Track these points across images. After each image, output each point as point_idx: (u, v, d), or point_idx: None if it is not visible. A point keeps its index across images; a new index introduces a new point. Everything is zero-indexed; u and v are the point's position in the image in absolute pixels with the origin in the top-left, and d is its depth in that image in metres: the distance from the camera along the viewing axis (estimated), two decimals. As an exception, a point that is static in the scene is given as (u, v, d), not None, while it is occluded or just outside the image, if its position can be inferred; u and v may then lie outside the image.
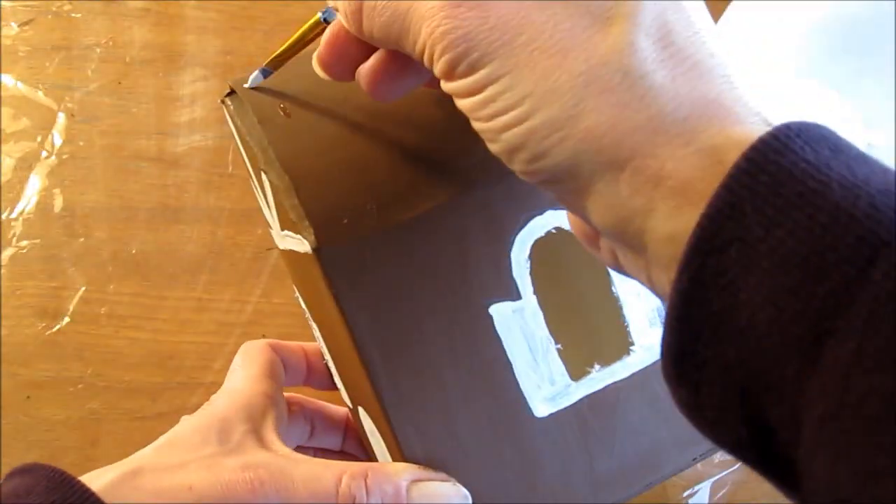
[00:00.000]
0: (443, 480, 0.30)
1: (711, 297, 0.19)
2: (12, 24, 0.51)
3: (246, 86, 0.31)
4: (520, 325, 0.31)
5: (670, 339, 0.20)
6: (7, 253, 0.48)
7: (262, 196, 0.33)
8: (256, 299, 0.48)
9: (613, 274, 0.32)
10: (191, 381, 0.47)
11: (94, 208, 0.49)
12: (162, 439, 0.31)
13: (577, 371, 0.32)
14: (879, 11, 0.51)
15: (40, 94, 0.51)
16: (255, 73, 0.31)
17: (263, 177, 0.30)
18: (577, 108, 0.20)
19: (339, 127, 0.30)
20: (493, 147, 0.23)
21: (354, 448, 0.41)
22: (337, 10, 0.25)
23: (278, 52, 0.30)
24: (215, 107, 0.51)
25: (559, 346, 0.31)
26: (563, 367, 0.32)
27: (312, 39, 0.30)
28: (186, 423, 0.32)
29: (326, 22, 0.28)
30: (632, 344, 0.32)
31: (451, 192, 0.29)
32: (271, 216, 0.33)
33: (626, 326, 0.32)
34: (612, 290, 0.32)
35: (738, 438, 0.20)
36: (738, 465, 0.48)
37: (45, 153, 0.50)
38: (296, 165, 0.29)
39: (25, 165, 0.49)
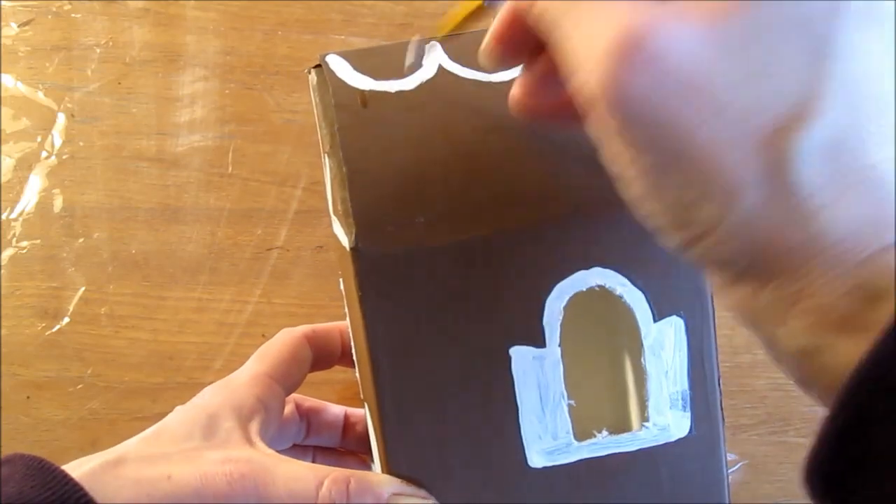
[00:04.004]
0: (424, 499, 0.30)
1: (874, 437, 0.18)
2: (12, 24, 0.51)
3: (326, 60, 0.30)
4: (536, 372, 0.30)
5: (822, 466, 0.19)
6: (7, 253, 0.48)
7: (326, 171, 0.33)
8: (256, 299, 0.48)
9: (647, 348, 0.31)
10: (191, 381, 0.47)
11: (93, 208, 0.49)
12: (149, 431, 0.31)
13: (583, 432, 0.31)
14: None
15: (40, 94, 0.51)
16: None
17: (326, 158, 0.30)
18: (744, 214, 0.19)
19: (410, 129, 0.29)
20: (650, 205, 0.21)
21: (354, 445, 0.41)
22: None
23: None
24: (215, 107, 0.51)
25: (571, 402, 0.31)
26: (569, 425, 0.31)
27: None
28: (175, 414, 0.32)
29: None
30: (647, 420, 0.31)
31: (502, 225, 0.28)
32: (329, 194, 0.32)
33: (647, 401, 0.31)
34: (641, 362, 0.31)
35: None
36: (739, 465, 0.48)
37: (45, 153, 0.50)
38: (356, 159, 0.29)
39: (25, 165, 0.49)
